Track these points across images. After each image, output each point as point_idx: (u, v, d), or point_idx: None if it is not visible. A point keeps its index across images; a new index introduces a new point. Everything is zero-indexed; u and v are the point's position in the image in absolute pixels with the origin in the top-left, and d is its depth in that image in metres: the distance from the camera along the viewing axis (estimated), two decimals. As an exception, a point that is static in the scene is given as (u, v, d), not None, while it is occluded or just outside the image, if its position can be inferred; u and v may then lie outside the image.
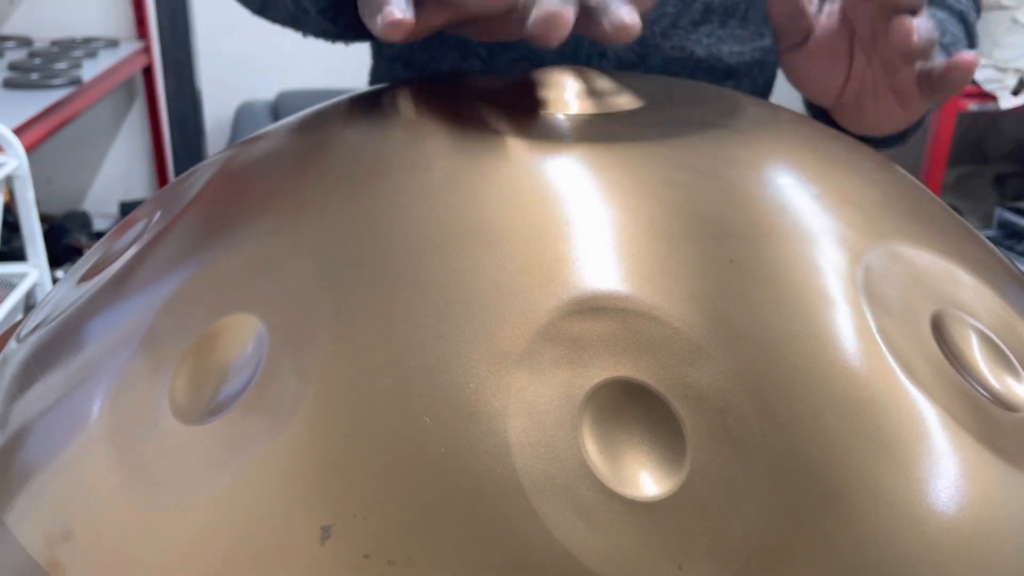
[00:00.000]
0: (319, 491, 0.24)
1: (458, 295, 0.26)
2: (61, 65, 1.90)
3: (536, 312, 0.26)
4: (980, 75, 1.95)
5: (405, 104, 0.38)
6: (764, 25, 0.67)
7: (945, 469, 0.25)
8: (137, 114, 2.50)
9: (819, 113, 0.57)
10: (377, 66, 0.74)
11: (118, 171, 2.53)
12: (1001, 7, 1.96)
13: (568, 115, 0.36)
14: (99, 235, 2.09)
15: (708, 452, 0.24)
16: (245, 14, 0.60)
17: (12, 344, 0.35)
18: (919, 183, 0.37)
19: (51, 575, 0.25)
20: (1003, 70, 1.95)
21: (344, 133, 0.37)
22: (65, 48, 2.13)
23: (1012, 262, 0.36)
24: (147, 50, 2.37)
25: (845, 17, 0.49)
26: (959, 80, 0.44)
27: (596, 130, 0.35)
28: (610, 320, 0.26)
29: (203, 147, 2.39)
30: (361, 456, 0.24)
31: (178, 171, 2.42)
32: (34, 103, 1.64)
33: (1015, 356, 0.29)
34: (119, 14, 2.39)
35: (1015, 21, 1.95)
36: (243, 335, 0.27)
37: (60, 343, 0.32)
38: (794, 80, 0.55)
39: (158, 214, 0.36)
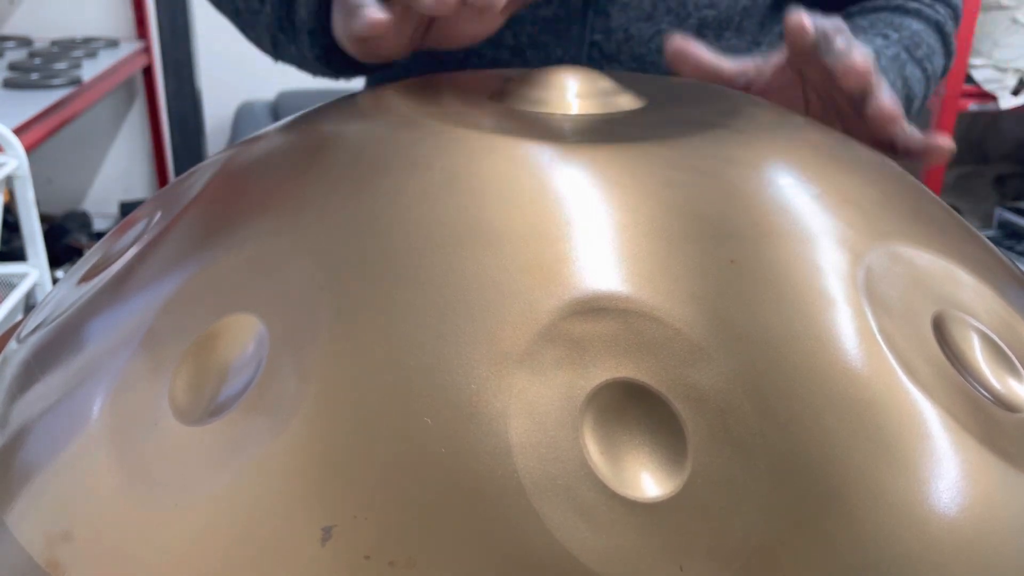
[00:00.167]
0: (320, 491, 0.24)
1: (459, 295, 0.26)
2: (61, 65, 1.90)
3: (537, 313, 0.26)
4: (980, 75, 1.95)
5: (405, 104, 0.38)
6: (760, 34, 0.67)
7: (946, 470, 0.25)
8: (137, 114, 2.50)
9: None
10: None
11: (118, 171, 2.53)
12: (1001, 7, 1.96)
13: (569, 115, 0.36)
14: (99, 235, 2.09)
15: (709, 453, 0.24)
16: (245, 15, 0.61)
17: (12, 344, 0.35)
18: (919, 183, 0.37)
19: (51, 575, 0.25)
20: (1003, 70, 1.95)
21: (344, 133, 0.37)
22: (65, 48, 2.13)
23: (1012, 262, 0.36)
24: (147, 50, 2.37)
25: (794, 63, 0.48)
26: (934, 159, 0.45)
27: (597, 130, 0.35)
28: (611, 321, 0.26)
29: (203, 147, 2.39)
30: (362, 457, 0.24)
31: (178, 171, 2.42)
32: (34, 103, 1.64)
33: (1016, 356, 0.29)
34: (119, 14, 2.39)
35: (1015, 21, 1.95)
36: (243, 335, 0.27)
37: (60, 343, 0.32)
38: None
39: (158, 214, 0.36)
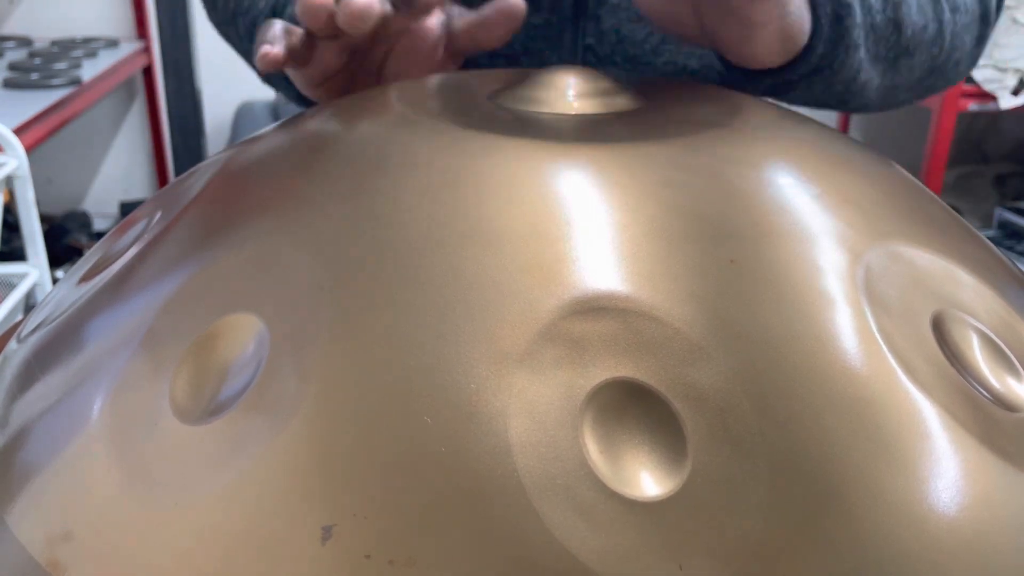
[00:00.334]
0: (320, 491, 0.24)
1: (458, 295, 0.26)
2: (61, 65, 1.90)
3: (537, 312, 0.26)
4: (980, 75, 1.95)
5: (405, 103, 0.38)
6: None
7: (945, 469, 0.25)
8: (137, 114, 2.50)
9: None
10: None
11: (118, 171, 2.53)
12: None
13: (568, 115, 0.36)
14: (99, 235, 2.09)
15: (709, 452, 0.24)
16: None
17: (12, 344, 0.35)
18: (919, 183, 0.37)
19: (51, 575, 0.25)
20: (1003, 70, 1.95)
21: (344, 133, 0.37)
22: (65, 48, 2.13)
23: (1012, 262, 0.36)
24: (147, 50, 2.37)
25: None
26: None
27: (596, 130, 0.35)
28: (611, 320, 0.26)
29: (203, 147, 2.39)
30: (362, 456, 0.24)
31: (178, 171, 2.42)
32: (34, 103, 1.64)
33: (1015, 356, 0.29)
34: (119, 14, 2.39)
35: (1015, 21, 1.95)
36: (243, 335, 0.27)
37: (60, 343, 0.32)
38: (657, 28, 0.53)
39: (158, 214, 0.36)
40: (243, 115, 2.33)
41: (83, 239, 2.24)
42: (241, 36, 0.65)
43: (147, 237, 0.34)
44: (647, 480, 0.24)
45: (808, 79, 0.51)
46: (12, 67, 1.87)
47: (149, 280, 0.31)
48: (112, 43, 2.26)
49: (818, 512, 0.24)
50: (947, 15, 0.58)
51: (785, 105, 0.45)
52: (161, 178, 2.52)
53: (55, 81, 1.79)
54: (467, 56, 0.52)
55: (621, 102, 0.38)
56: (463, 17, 0.50)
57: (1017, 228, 2.02)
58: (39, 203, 1.43)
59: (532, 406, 0.24)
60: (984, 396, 0.28)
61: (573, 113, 0.37)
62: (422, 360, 0.25)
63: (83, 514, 0.26)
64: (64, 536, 0.26)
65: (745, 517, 0.24)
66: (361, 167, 0.32)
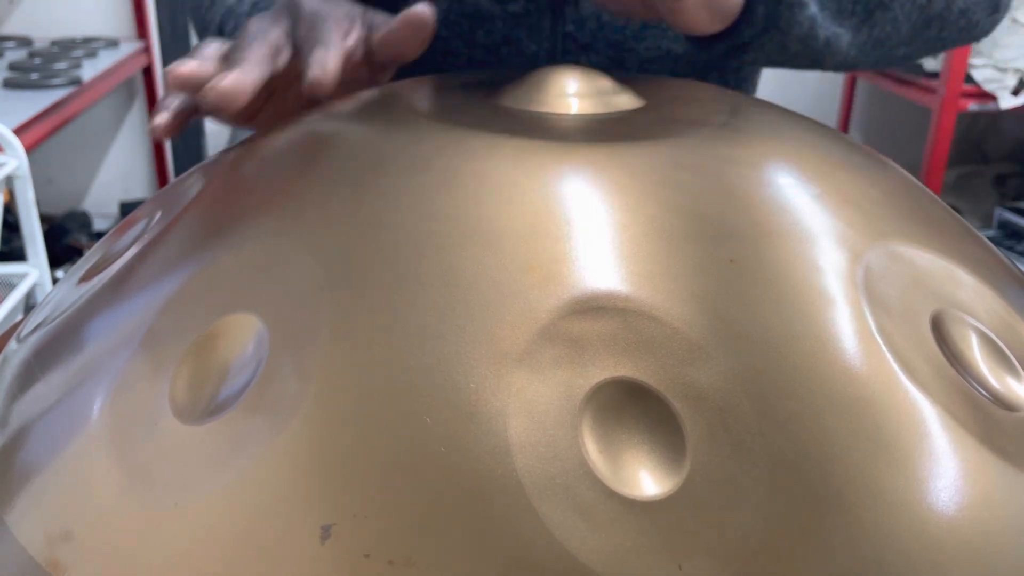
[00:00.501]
0: (319, 491, 0.24)
1: (458, 295, 0.26)
2: (61, 65, 1.90)
3: (536, 312, 0.26)
4: (980, 75, 1.95)
5: (405, 103, 0.38)
6: None
7: (945, 469, 0.25)
8: (137, 114, 2.50)
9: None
10: None
11: (118, 171, 2.53)
12: (1001, 7, 1.96)
13: (568, 115, 0.36)
14: (99, 235, 2.09)
15: (708, 452, 0.24)
16: (245, 15, 0.61)
17: (12, 344, 0.36)
18: (919, 183, 0.37)
19: (51, 575, 0.25)
20: (1003, 70, 1.95)
21: (344, 133, 0.37)
22: (65, 48, 2.13)
23: (1012, 262, 0.36)
24: (147, 50, 2.37)
25: None
26: None
27: (596, 130, 0.35)
28: (610, 320, 0.26)
29: (203, 147, 2.39)
30: (362, 456, 0.24)
31: (178, 171, 2.42)
32: (34, 103, 1.64)
33: (1015, 356, 0.29)
34: (119, 14, 2.39)
35: (1015, 21, 1.95)
36: (243, 335, 0.27)
37: (60, 343, 0.32)
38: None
39: (158, 214, 0.36)
40: (243, 115, 2.33)
41: (83, 239, 2.24)
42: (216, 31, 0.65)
43: (147, 237, 0.34)
44: (647, 480, 0.24)
45: (759, 40, 0.51)
46: (12, 67, 1.87)
47: (149, 280, 0.31)
48: (112, 43, 2.26)
49: (818, 512, 0.24)
50: None
51: (784, 106, 0.45)
52: (161, 178, 2.52)
53: (55, 81, 1.79)
54: (394, 67, 0.51)
55: (621, 102, 0.38)
56: (378, 32, 0.48)
57: (1017, 228, 2.02)
58: (39, 203, 1.43)
59: (531, 406, 0.24)
60: (984, 396, 0.28)
61: (573, 113, 0.37)
62: (422, 360, 0.25)
63: (83, 514, 0.26)
64: (64, 536, 0.26)
65: (745, 517, 0.24)
66: (361, 167, 0.32)
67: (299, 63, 0.45)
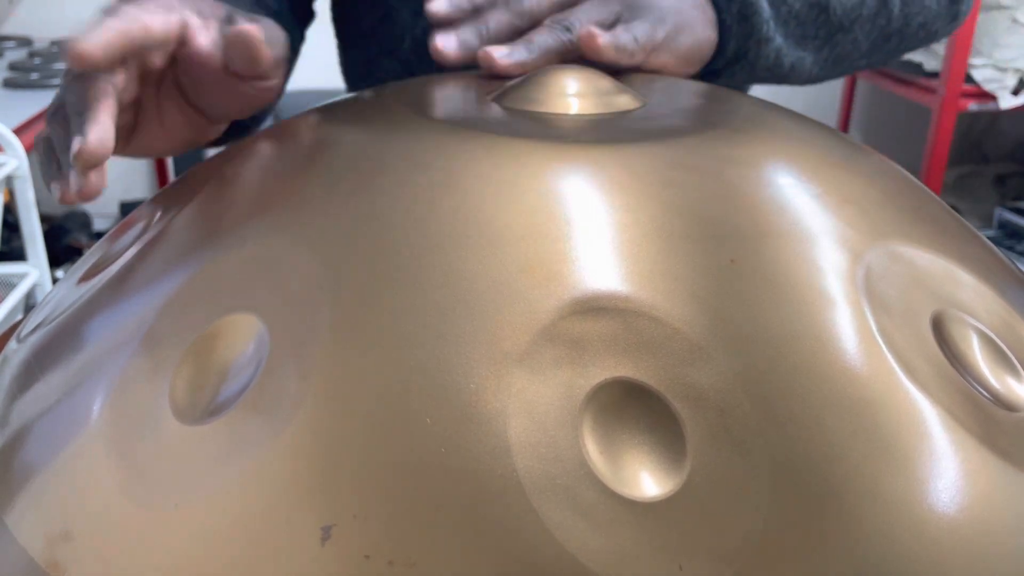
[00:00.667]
0: (319, 491, 0.24)
1: (459, 295, 0.26)
2: (61, 65, 1.90)
3: (537, 312, 0.26)
4: (980, 75, 1.95)
5: (405, 104, 0.38)
6: None
7: (945, 469, 0.25)
8: (137, 114, 2.50)
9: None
10: (347, 64, 0.75)
11: (118, 171, 2.52)
12: (1001, 7, 1.96)
13: (568, 115, 0.36)
14: (99, 235, 2.09)
15: (708, 452, 0.24)
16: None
17: (12, 344, 0.35)
18: (919, 183, 0.37)
19: (51, 575, 0.25)
20: (1003, 70, 1.94)
21: (344, 133, 0.37)
22: (65, 48, 2.13)
23: (1012, 262, 0.36)
24: (147, 50, 2.37)
25: None
26: (597, 57, 0.45)
27: (596, 130, 0.35)
28: (611, 320, 0.26)
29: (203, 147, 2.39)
30: (362, 456, 0.24)
31: (178, 171, 2.42)
32: (34, 103, 1.64)
33: (1015, 356, 0.29)
34: (119, 14, 2.38)
35: (1015, 21, 1.95)
36: (243, 335, 0.27)
37: (60, 343, 0.32)
38: None
39: (158, 214, 0.36)
40: (243, 115, 2.33)
41: (83, 239, 2.24)
42: None
43: (147, 237, 0.34)
44: (647, 480, 0.24)
45: (730, 70, 0.55)
46: (12, 67, 1.87)
47: (149, 280, 0.31)
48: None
49: (818, 512, 0.24)
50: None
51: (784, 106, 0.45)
52: (161, 178, 2.51)
53: (55, 81, 1.78)
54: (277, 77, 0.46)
55: (621, 102, 0.38)
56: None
57: (1017, 228, 2.02)
58: (39, 203, 1.43)
59: (532, 406, 0.24)
60: (984, 396, 0.28)
61: (573, 113, 0.37)
62: (422, 360, 0.25)
63: (83, 514, 0.26)
64: (64, 536, 0.26)
65: (745, 517, 0.23)
66: (361, 167, 0.32)
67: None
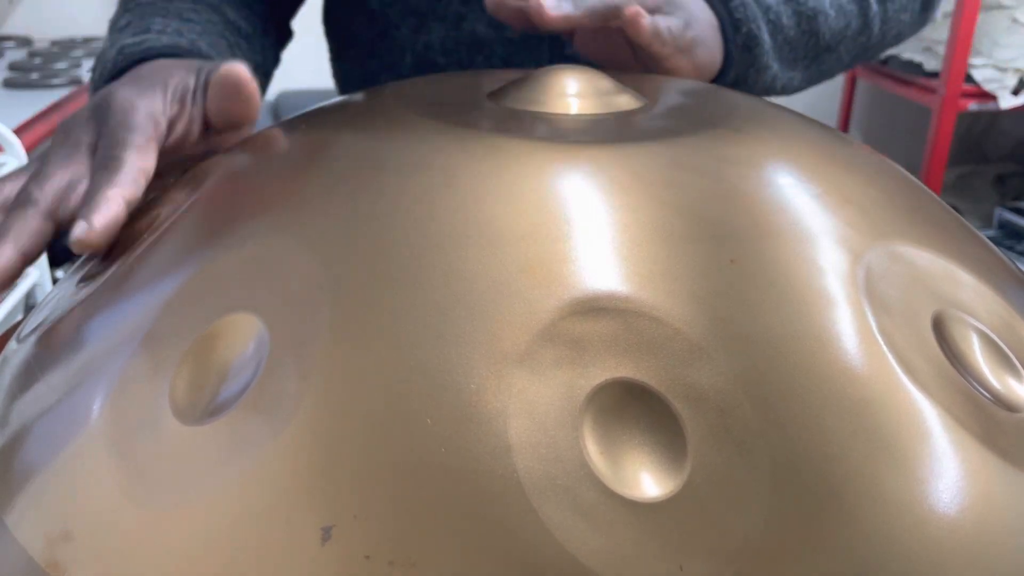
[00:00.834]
0: (320, 491, 0.24)
1: (459, 295, 0.26)
2: (61, 65, 1.90)
3: (537, 312, 0.26)
4: (980, 75, 1.95)
5: (404, 104, 0.38)
6: None
7: (946, 469, 0.25)
8: (137, 114, 2.50)
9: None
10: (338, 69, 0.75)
11: (118, 171, 2.52)
12: (1001, 7, 1.96)
13: (568, 115, 0.36)
14: (99, 235, 2.08)
15: (709, 452, 0.24)
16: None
17: (12, 344, 0.35)
18: (919, 183, 0.37)
19: (51, 575, 0.25)
20: (1003, 70, 1.95)
21: (344, 133, 0.37)
22: (65, 48, 2.13)
23: (1012, 262, 0.36)
24: (147, 50, 2.37)
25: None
26: (638, 38, 0.47)
27: (597, 130, 0.35)
28: (611, 320, 0.26)
29: (203, 147, 2.39)
30: (362, 456, 0.24)
31: (178, 171, 2.41)
32: (34, 103, 1.64)
33: (1016, 356, 0.29)
34: (119, 14, 2.38)
35: (1015, 21, 1.95)
36: (243, 335, 0.27)
37: (60, 343, 0.32)
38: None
39: (158, 214, 0.36)
40: (243, 115, 2.32)
41: (83, 239, 2.24)
42: None
43: (147, 237, 0.34)
44: (647, 480, 0.24)
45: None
46: (12, 67, 1.87)
47: (149, 280, 0.31)
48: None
49: (818, 512, 0.24)
50: (874, 8, 0.64)
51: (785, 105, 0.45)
52: (161, 178, 2.51)
53: (55, 81, 1.78)
54: (245, 126, 0.46)
55: (621, 102, 0.38)
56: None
57: (1017, 228, 2.02)
58: (39, 203, 1.42)
59: (532, 406, 0.24)
60: (984, 396, 0.28)
61: (573, 113, 0.37)
62: (422, 360, 0.25)
63: (83, 514, 0.26)
64: (64, 536, 0.26)
65: (745, 517, 0.23)
66: (361, 167, 0.32)
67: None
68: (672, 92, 0.42)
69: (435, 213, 0.29)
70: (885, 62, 2.18)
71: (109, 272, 0.34)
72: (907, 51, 2.11)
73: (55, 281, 1.52)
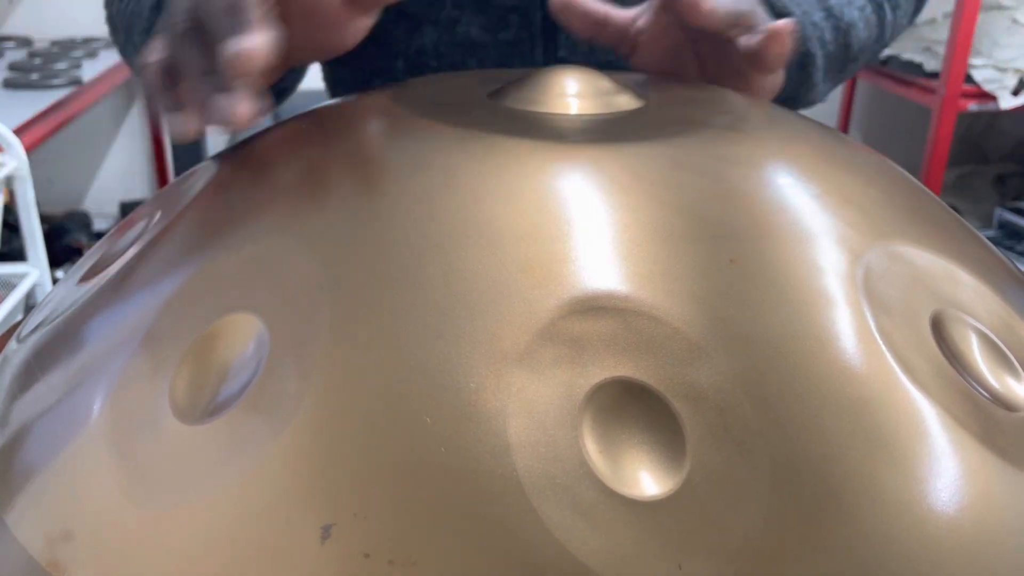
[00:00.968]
0: (319, 491, 0.24)
1: (458, 295, 0.26)
2: (61, 65, 1.90)
3: (536, 312, 0.26)
4: (980, 75, 1.95)
5: (404, 104, 0.38)
6: None
7: (945, 469, 0.25)
8: (137, 114, 2.50)
9: None
10: (330, 71, 0.75)
11: (118, 171, 2.53)
12: (1001, 7, 1.96)
13: (568, 115, 0.36)
14: (99, 235, 2.09)
15: (708, 452, 0.24)
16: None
17: (12, 344, 0.36)
18: (919, 183, 0.37)
19: (51, 575, 0.25)
20: (1003, 70, 1.94)
21: (344, 133, 0.37)
22: (65, 48, 2.13)
23: (1012, 262, 0.36)
24: (147, 50, 2.37)
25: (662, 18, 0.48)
26: (777, 51, 0.43)
27: (596, 130, 0.35)
28: (610, 320, 0.26)
29: (203, 147, 2.39)
30: (362, 456, 0.24)
31: (178, 171, 2.42)
32: (34, 103, 1.64)
33: (1015, 356, 0.29)
34: (119, 14, 2.38)
35: (1015, 21, 1.95)
36: (243, 335, 0.27)
37: (60, 343, 0.32)
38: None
39: (158, 214, 0.36)
40: (243, 115, 2.32)
41: (83, 239, 2.24)
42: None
43: (147, 237, 0.34)
44: (647, 480, 0.24)
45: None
46: (12, 67, 1.88)
47: (149, 280, 0.31)
48: (112, 43, 2.25)
49: (817, 511, 0.24)
50: (889, 16, 0.64)
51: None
52: (161, 178, 2.51)
53: (55, 81, 1.79)
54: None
55: (621, 102, 0.38)
56: None
57: (1017, 228, 2.02)
58: (39, 203, 1.43)
59: (531, 406, 0.24)
60: (984, 396, 0.28)
61: (573, 113, 0.37)
62: (422, 360, 0.25)
63: (83, 514, 0.26)
64: (64, 536, 0.26)
65: (745, 517, 0.24)
66: (361, 167, 0.32)
67: None
68: (672, 92, 0.42)
69: (435, 213, 0.29)
70: (885, 62, 2.17)
71: (109, 272, 0.34)
72: (907, 51, 2.11)
73: (55, 281, 1.52)
